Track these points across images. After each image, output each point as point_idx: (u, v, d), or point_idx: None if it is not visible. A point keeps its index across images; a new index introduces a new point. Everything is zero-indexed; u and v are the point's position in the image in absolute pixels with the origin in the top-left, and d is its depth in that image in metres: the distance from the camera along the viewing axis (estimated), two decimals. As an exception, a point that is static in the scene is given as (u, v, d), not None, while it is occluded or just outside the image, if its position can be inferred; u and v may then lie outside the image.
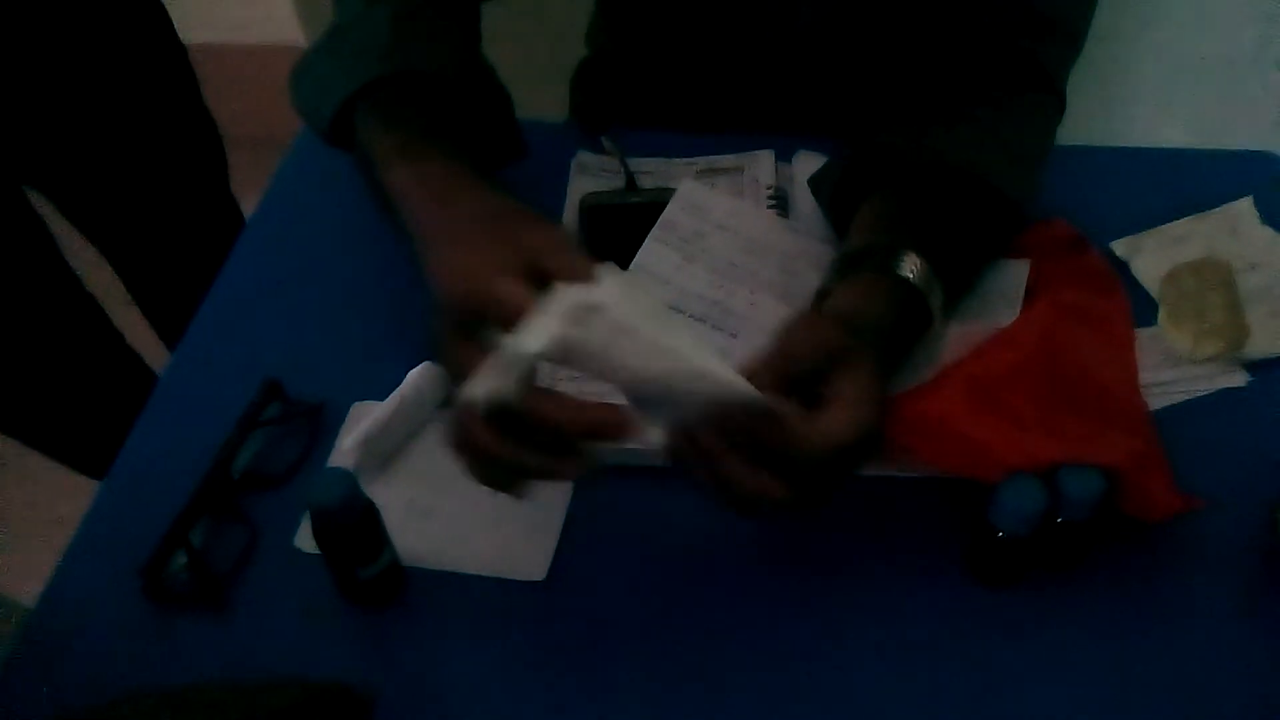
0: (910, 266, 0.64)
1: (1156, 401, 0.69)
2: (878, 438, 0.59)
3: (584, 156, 0.86)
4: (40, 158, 1.09)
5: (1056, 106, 0.76)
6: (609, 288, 0.51)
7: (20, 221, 1.11)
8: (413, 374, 0.70)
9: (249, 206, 0.95)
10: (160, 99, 1.13)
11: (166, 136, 1.15)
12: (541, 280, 0.52)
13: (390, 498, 0.64)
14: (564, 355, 0.51)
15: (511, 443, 0.52)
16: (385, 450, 0.68)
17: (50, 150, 1.08)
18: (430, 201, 0.61)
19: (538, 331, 0.50)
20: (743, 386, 0.53)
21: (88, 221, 1.19)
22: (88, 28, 1.03)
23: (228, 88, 1.35)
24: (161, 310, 1.33)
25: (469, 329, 0.53)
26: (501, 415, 0.51)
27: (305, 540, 0.65)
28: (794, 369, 0.58)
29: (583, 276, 0.52)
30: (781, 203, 0.81)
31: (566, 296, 0.50)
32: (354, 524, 0.57)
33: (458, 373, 0.53)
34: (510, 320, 0.51)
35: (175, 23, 1.14)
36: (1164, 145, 0.88)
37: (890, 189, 0.70)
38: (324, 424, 0.70)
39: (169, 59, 1.14)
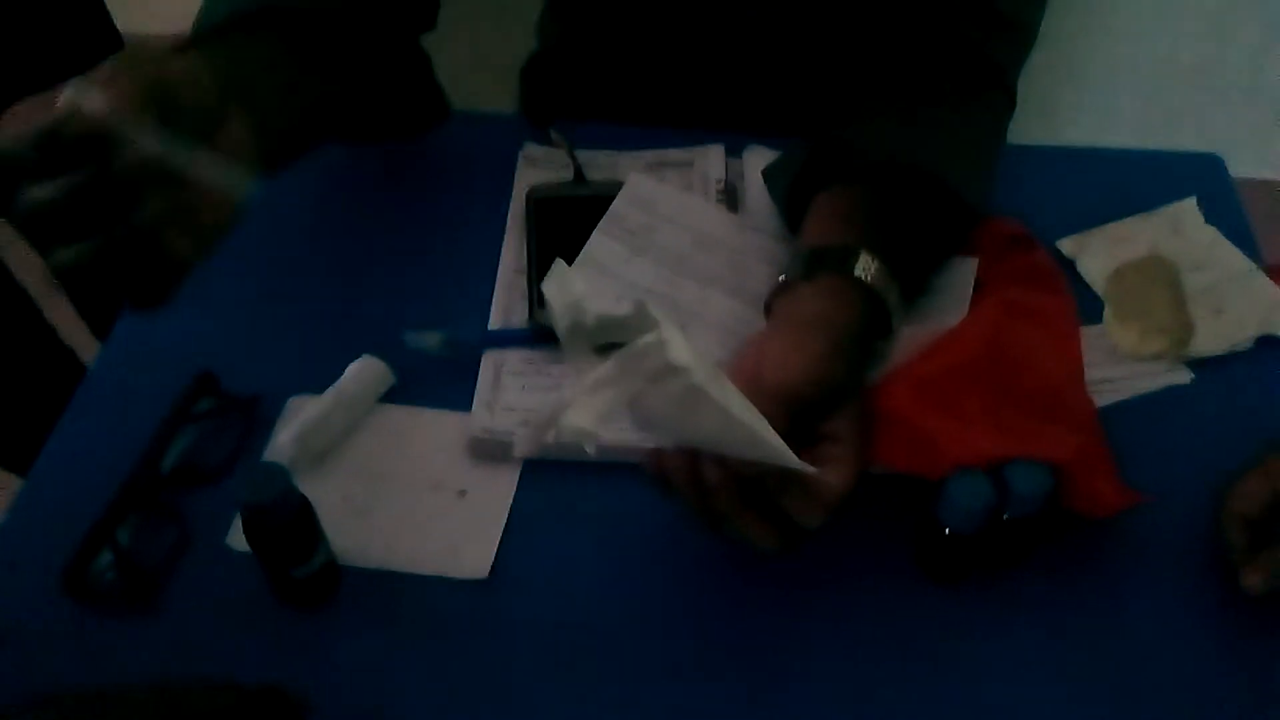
0: (869, 269, 0.63)
1: (1102, 399, 0.69)
2: (866, 467, 0.60)
3: (532, 149, 0.84)
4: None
5: (1008, 104, 0.76)
6: (682, 346, 0.48)
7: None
8: (352, 367, 0.68)
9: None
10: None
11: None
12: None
13: (327, 494, 0.62)
14: (633, 412, 0.50)
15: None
16: (322, 445, 0.66)
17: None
18: None
19: (615, 387, 0.48)
20: (794, 459, 0.52)
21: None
22: (16, 17, 1.00)
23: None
24: (94, 306, 1.29)
25: None
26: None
27: (238, 538, 0.62)
28: (799, 408, 0.57)
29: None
30: (731, 198, 0.80)
31: (642, 356, 0.47)
32: (287, 521, 0.56)
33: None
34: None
35: (115, 13, 1.11)
36: (1109, 145, 0.89)
37: (846, 185, 0.69)
38: (259, 418, 0.68)
39: (105, 50, 1.11)
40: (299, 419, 0.65)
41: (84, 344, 1.31)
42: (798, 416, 0.56)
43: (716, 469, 0.54)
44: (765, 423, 0.51)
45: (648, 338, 0.46)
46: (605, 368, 0.47)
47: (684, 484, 0.56)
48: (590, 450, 0.47)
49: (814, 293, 0.63)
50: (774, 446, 0.51)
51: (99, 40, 1.09)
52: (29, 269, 1.22)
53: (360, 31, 0.68)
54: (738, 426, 0.49)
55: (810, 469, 0.54)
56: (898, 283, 0.64)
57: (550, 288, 0.49)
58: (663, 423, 0.52)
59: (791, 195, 0.73)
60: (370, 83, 0.71)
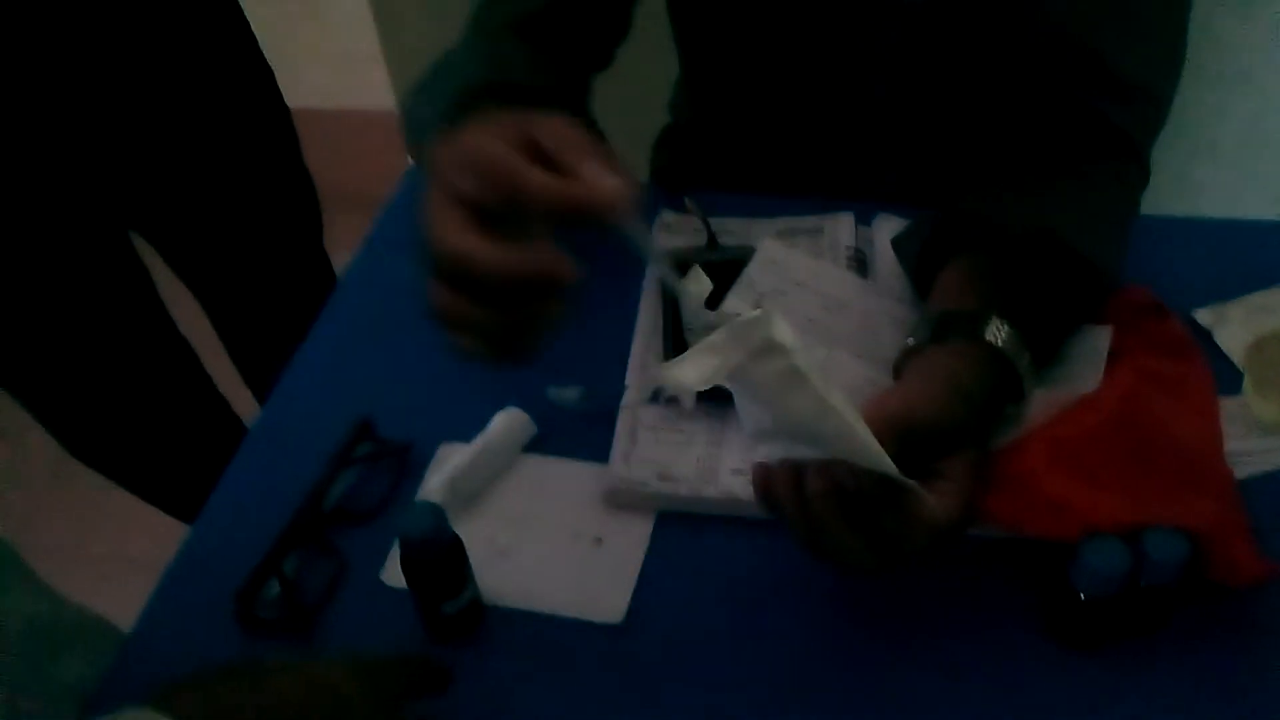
0: (1000, 334, 0.64)
1: (1242, 470, 0.68)
2: (974, 512, 0.60)
3: (667, 215, 0.88)
4: (148, 204, 1.15)
5: (1141, 174, 0.77)
6: (787, 329, 0.50)
7: (124, 264, 1.16)
8: (498, 417, 0.72)
9: (338, 264, 0.99)
10: (264, 156, 1.19)
11: (268, 192, 1.21)
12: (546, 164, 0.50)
13: (472, 536, 0.65)
14: (735, 385, 0.52)
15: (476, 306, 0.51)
16: (470, 490, 0.70)
17: (158, 197, 1.14)
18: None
19: (720, 354, 0.50)
20: (893, 467, 0.54)
21: (188, 268, 1.25)
22: (202, 86, 1.09)
23: (325, 150, 1.41)
24: (250, 359, 1.38)
25: (465, 201, 0.51)
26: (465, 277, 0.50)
27: (391, 575, 0.66)
28: (914, 438, 0.58)
29: (589, 174, 0.49)
30: (860, 264, 0.82)
31: (748, 328, 0.50)
32: (441, 557, 0.59)
33: (438, 233, 0.51)
34: (522, 187, 0.48)
35: (280, 87, 1.20)
36: (1247, 217, 0.88)
37: (976, 253, 0.71)
38: (412, 463, 0.73)
39: (274, 120, 1.20)
40: (449, 465, 0.69)
41: (237, 398, 1.40)
42: (912, 448, 0.57)
43: (819, 478, 0.55)
44: (866, 428, 0.53)
45: (755, 313, 0.49)
46: (714, 336, 0.50)
47: (785, 494, 0.57)
48: (688, 404, 0.49)
49: (944, 355, 0.64)
50: (872, 449, 0.52)
51: (269, 112, 1.19)
52: (194, 324, 1.31)
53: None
54: (834, 417, 0.51)
55: (911, 483, 0.55)
56: (1029, 349, 0.65)
57: (689, 284, 0.53)
58: (763, 402, 0.53)
59: (921, 263, 0.75)
60: None
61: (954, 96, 0.86)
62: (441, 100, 0.67)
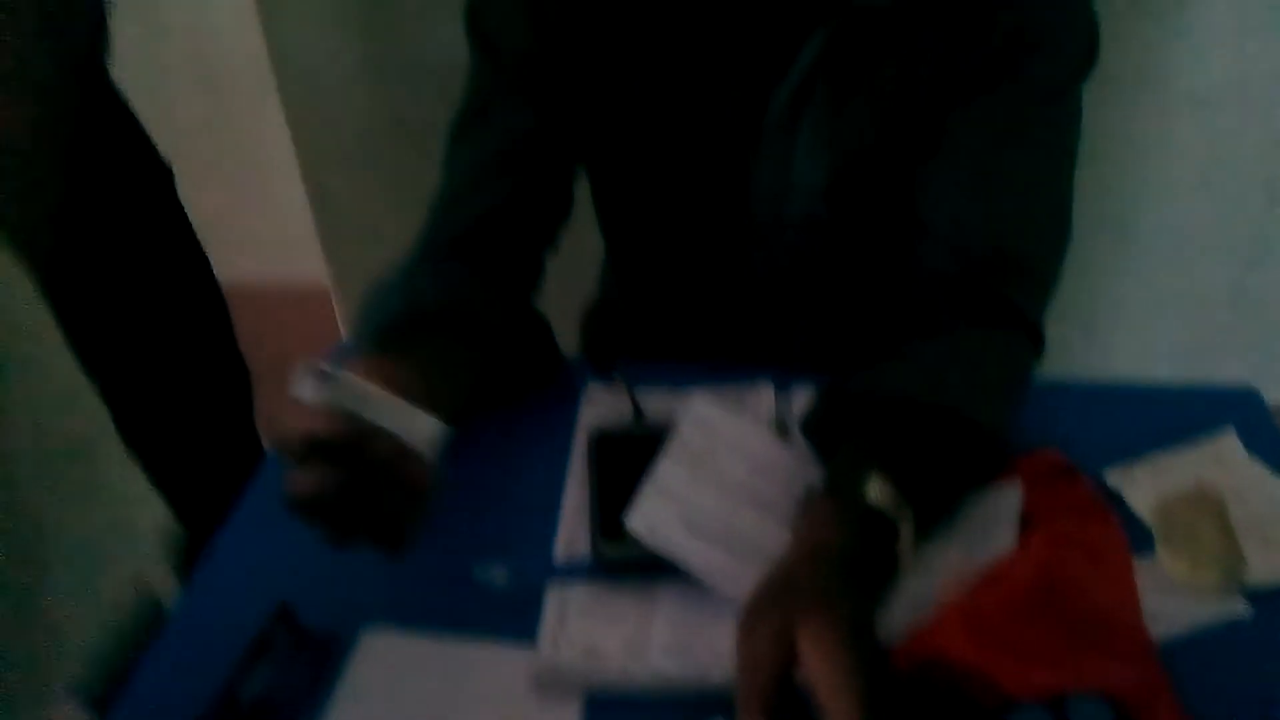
0: (876, 491, 0.66)
1: (1158, 631, 0.69)
2: (873, 663, 0.58)
3: (594, 389, 0.90)
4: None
5: (1030, 342, 0.80)
6: None
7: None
8: None
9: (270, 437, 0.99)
10: (196, 343, 1.19)
11: (199, 377, 1.20)
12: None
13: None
14: None
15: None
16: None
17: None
18: None
19: None
20: None
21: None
22: (137, 274, 1.10)
23: (259, 324, 1.42)
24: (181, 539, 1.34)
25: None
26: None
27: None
28: (772, 685, 0.58)
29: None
30: (782, 432, 0.84)
31: None
32: None
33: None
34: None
35: (211, 260, 1.22)
36: (1148, 380, 0.92)
37: (868, 425, 0.74)
38: (336, 651, 0.71)
39: (207, 306, 1.21)
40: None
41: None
42: (784, 601, 0.60)
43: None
44: None
45: None
46: None
47: None
48: None
49: (806, 523, 0.67)
50: None
51: (202, 293, 1.20)
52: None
53: (490, 310, 0.83)
54: None
55: None
56: (912, 506, 0.67)
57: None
58: None
59: (823, 442, 0.78)
60: (507, 357, 0.86)
61: (851, 270, 0.91)
62: (371, 324, 0.79)
